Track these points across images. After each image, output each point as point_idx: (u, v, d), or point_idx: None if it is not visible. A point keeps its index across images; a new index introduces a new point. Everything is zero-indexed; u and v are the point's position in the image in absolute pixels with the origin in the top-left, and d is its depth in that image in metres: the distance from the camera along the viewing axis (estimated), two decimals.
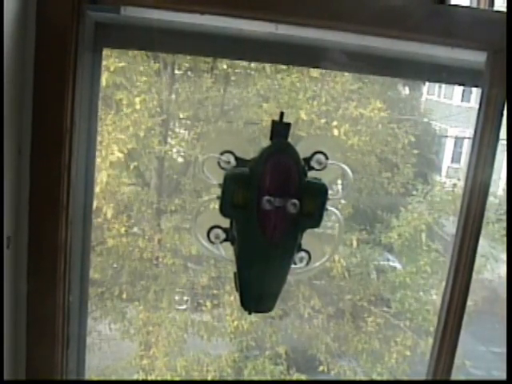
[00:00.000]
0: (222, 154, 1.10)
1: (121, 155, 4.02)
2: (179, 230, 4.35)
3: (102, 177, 3.95)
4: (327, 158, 1.11)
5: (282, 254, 1.11)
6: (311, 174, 1.11)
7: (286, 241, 1.10)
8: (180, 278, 4.42)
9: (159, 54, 3.82)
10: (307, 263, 1.16)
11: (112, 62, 3.83)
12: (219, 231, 1.12)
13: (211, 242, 1.13)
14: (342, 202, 4.70)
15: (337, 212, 1.15)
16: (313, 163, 1.11)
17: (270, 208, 1.05)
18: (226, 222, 1.13)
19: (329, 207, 1.11)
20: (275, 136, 1.08)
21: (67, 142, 1.09)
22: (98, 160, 3.86)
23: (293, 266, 1.14)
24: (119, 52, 3.71)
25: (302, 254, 1.15)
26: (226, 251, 1.15)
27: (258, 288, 1.14)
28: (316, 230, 1.13)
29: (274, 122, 1.08)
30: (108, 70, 3.82)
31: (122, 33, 1.24)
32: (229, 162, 1.09)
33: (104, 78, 3.80)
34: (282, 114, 1.08)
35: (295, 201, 1.05)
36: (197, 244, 1.15)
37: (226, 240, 1.13)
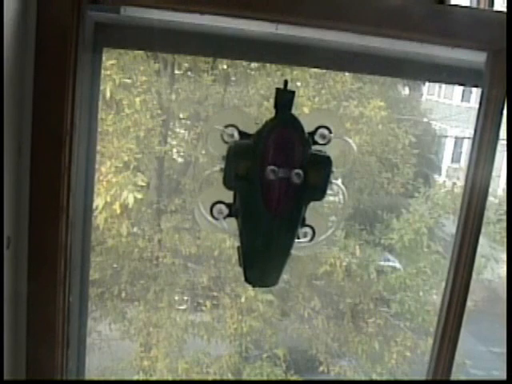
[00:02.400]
0: (225, 127, 1.09)
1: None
2: (179, 230, 4.35)
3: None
4: (331, 133, 1.11)
5: (286, 227, 1.11)
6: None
7: (289, 213, 1.09)
8: (180, 278, 4.42)
9: (159, 53, 3.82)
10: (311, 238, 1.15)
11: (115, 72, 3.83)
12: (222, 207, 1.12)
13: (214, 217, 1.12)
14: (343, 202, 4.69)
15: (341, 185, 1.14)
16: (316, 138, 1.10)
17: (273, 178, 1.04)
18: (229, 198, 1.12)
19: (333, 180, 1.10)
20: (279, 104, 1.08)
21: (67, 142, 1.09)
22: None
23: (297, 240, 1.13)
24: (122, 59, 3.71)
25: (306, 229, 1.14)
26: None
27: (261, 262, 1.13)
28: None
29: (278, 90, 1.08)
30: (113, 82, 3.83)
31: (122, 33, 1.24)
32: (232, 136, 1.09)
33: (108, 89, 3.81)
34: (286, 82, 1.08)
35: (299, 171, 1.04)
36: (200, 219, 1.14)
37: (229, 215, 1.12)
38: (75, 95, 1.09)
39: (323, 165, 1.08)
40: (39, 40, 1.05)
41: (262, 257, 1.13)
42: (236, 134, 1.09)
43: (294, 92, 1.08)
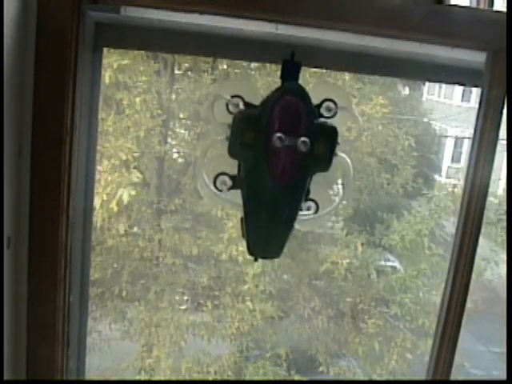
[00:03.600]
0: (231, 97, 1.08)
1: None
2: (179, 230, 4.35)
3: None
4: (336, 105, 1.10)
5: (291, 197, 1.10)
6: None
7: (294, 183, 1.08)
8: (180, 278, 4.43)
9: (159, 54, 3.83)
10: (315, 212, 1.14)
11: (115, 59, 3.83)
12: (226, 178, 1.11)
13: (218, 189, 1.12)
14: (343, 202, 4.69)
15: (346, 157, 1.13)
16: (322, 110, 1.10)
17: (280, 146, 1.03)
18: (233, 170, 1.11)
19: (338, 152, 1.10)
20: (286, 76, 1.07)
21: (67, 142, 1.09)
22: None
23: (301, 213, 1.13)
24: (121, 51, 3.71)
25: (310, 203, 1.14)
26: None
27: (265, 232, 1.12)
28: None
29: (285, 61, 1.07)
30: (111, 67, 3.83)
31: (122, 33, 1.24)
32: (238, 106, 1.08)
33: (107, 75, 3.81)
34: (292, 53, 1.07)
35: (305, 139, 1.03)
36: (203, 190, 1.13)
37: (232, 187, 1.11)
38: (75, 95, 1.09)
39: (329, 135, 1.07)
40: (39, 40, 1.05)
41: (266, 227, 1.11)
42: (241, 105, 1.08)
43: (300, 63, 1.07)
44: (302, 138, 1.03)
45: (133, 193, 4.02)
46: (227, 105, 1.09)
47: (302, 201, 1.11)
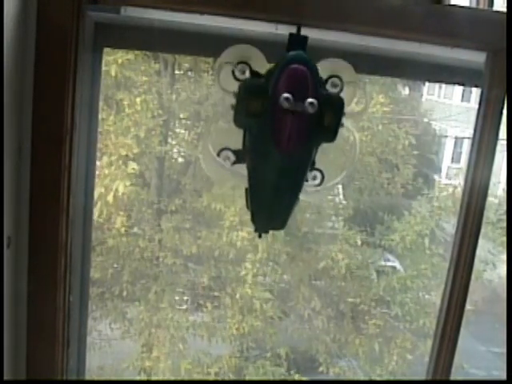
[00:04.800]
0: (238, 63, 1.07)
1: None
2: (179, 230, 4.35)
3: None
4: (342, 82, 1.09)
5: (296, 168, 1.08)
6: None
7: (300, 153, 1.07)
8: (180, 278, 4.43)
9: (159, 54, 3.83)
10: (320, 183, 1.14)
11: (120, 55, 3.84)
12: (229, 153, 1.10)
13: (222, 164, 1.11)
14: (344, 202, 4.70)
15: (353, 129, 1.12)
16: (328, 87, 1.09)
17: (287, 106, 1.00)
18: (236, 145, 1.11)
19: (344, 123, 1.08)
20: (292, 47, 1.06)
21: (67, 142, 1.09)
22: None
23: (306, 183, 1.12)
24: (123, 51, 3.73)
25: (316, 172, 1.13)
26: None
27: (269, 203, 1.11)
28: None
29: (291, 34, 1.07)
30: (116, 63, 3.84)
31: (122, 33, 1.24)
32: (244, 73, 1.07)
33: (113, 70, 3.83)
34: (299, 27, 1.07)
35: (313, 100, 1.01)
36: (206, 165, 1.12)
37: (236, 162, 1.10)
38: (75, 95, 1.09)
39: (335, 105, 1.06)
40: (39, 40, 1.05)
41: (270, 198, 1.10)
42: (248, 73, 1.07)
43: (307, 37, 1.06)
44: (310, 100, 1.01)
45: (130, 187, 4.03)
46: (233, 72, 1.08)
47: (307, 172, 1.10)
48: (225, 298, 4.41)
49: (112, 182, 3.99)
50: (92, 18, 1.14)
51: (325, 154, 1.13)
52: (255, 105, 1.03)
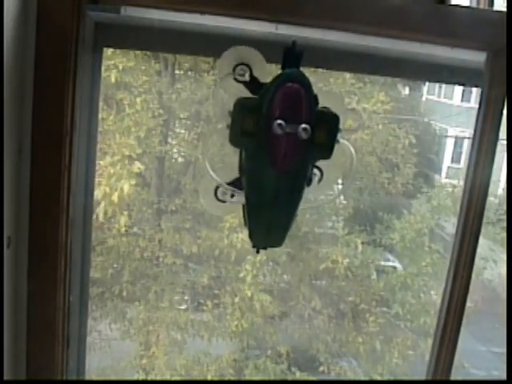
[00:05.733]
0: (237, 65, 1.08)
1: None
2: (179, 230, 4.35)
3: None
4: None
5: (292, 185, 1.09)
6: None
7: (295, 171, 1.07)
8: (180, 278, 4.43)
9: (159, 53, 3.83)
10: (319, 180, 1.14)
11: (120, 60, 3.84)
12: (225, 188, 1.11)
13: (222, 201, 1.13)
14: (344, 202, 4.70)
15: (348, 144, 1.12)
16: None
17: (280, 132, 1.01)
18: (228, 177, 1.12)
19: (340, 139, 1.08)
20: (287, 64, 1.07)
21: (67, 142, 1.10)
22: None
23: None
24: (124, 52, 3.73)
25: (315, 170, 1.12)
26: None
27: (266, 220, 1.11)
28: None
29: (286, 48, 1.07)
30: (117, 69, 3.84)
31: (121, 33, 1.24)
32: (243, 75, 1.08)
33: (113, 76, 3.83)
34: (294, 42, 1.07)
35: (306, 126, 1.02)
36: (208, 203, 1.14)
37: (234, 192, 1.11)
38: (75, 95, 1.09)
39: (330, 122, 1.06)
40: (39, 40, 1.05)
41: (267, 216, 1.11)
42: (247, 75, 1.08)
43: (302, 52, 1.07)
44: (303, 125, 1.01)
45: (133, 183, 4.03)
46: (234, 74, 1.08)
47: (303, 189, 1.10)
48: (225, 297, 4.41)
49: (117, 181, 3.99)
50: (92, 17, 1.14)
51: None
52: (250, 123, 1.04)
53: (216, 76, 1.11)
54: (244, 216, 1.13)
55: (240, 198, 1.12)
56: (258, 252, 1.16)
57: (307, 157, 1.07)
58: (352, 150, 1.13)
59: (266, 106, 1.03)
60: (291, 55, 1.07)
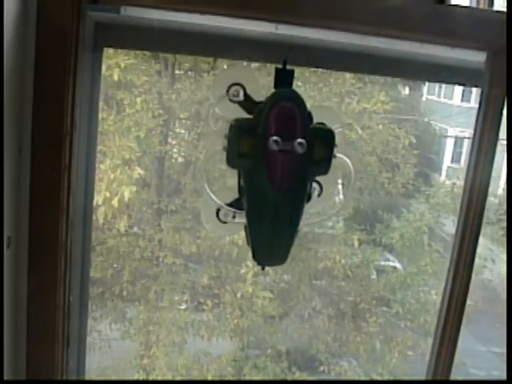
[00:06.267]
0: (231, 86, 1.09)
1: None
2: (179, 230, 4.35)
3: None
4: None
5: (292, 203, 1.09)
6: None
7: (294, 188, 1.08)
8: (180, 278, 4.43)
9: (159, 54, 3.83)
10: (319, 194, 1.15)
11: (122, 59, 3.84)
12: (226, 209, 1.12)
13: (223, 222, 1.13)
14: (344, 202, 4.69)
15: (346, 159, 1.13)
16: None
17: (276, 149, 1.02)
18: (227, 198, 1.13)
19: (337, 154, 1.09)
20: (279, 83, 1.08)
21: (67, 142, 1.09)
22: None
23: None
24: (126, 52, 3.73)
25: (314, 184, 1.14)
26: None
27: (269, 239, 1.12)
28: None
29: (277, 69, 1.08)
30: (119, 67, 3.84)
31: (121, 33, 1.24)
32: (237, 95, 1.08)
33: (116, 75, 3.83)
34: (285, 62, 1.08)
35: (302, 140, 1.02)
36: (213, 229, 1.15)
37: (236, 212, 1.12)
38: (75, 95, 1.09)
39: (326, 138, 1.07)
40: (39, 40, 1.05)
41: (269, 234, 1.12)
42: (242, 95, 1.08)
43: (293, 71, 1.08)
44: (299, 140, 1.03)
45: (134, 190, 4.03)
46: (228, 95, 1.09)
47: (303, 206, 1.11)
48: (225, 297, 4.41)
49: (118, 186, 3.99)
50: (92, 17, 1.14)
51: None
52: (246, 144, 1.05)
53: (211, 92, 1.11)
54: (246, 236, 1.14)
55: (242, 218, 1.13)
56: (263, 269, 1.17)
57: (305, 173, 1.09)
58: (350, 164, 1.15)
59: (262, 126, 1.04)
60: (283, 74, 1.08)
